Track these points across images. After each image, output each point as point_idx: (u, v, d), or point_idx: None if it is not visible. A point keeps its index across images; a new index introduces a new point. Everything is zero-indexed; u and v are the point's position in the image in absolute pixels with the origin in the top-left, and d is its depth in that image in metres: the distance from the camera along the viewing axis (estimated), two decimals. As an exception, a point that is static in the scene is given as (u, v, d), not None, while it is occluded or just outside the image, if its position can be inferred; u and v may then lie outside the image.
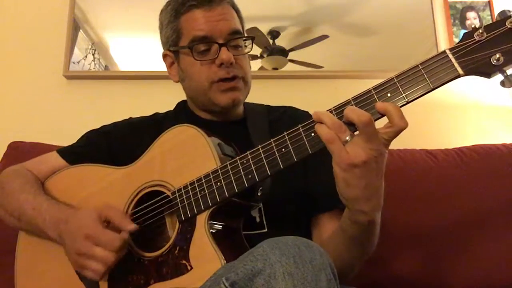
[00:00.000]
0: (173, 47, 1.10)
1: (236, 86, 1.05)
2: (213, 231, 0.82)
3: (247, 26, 1.77)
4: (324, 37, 1.91)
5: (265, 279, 0.61)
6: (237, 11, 1.11)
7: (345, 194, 0.75)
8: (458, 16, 1.97)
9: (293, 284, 0.61)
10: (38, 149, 1.43)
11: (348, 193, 0.75)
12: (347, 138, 0.71)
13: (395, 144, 1.58)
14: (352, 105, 0.73)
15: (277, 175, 0.79)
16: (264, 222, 0.97)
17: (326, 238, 0.96)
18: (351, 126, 0.72)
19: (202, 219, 0.83)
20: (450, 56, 0.70)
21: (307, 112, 1.18)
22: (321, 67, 1.90)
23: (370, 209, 0.77)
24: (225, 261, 0.76)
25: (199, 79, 1.06)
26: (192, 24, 1.05)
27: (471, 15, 1.97)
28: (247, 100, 1.20)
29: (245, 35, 1.10)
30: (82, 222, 0.87)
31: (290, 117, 1.17)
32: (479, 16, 1.97)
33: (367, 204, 0.76)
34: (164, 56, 1.15)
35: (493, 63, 0.69)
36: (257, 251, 0.66)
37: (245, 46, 1.09)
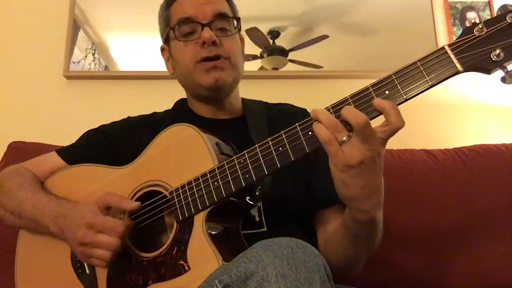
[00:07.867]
0: (163, 35, 1.13)
1: (218, 66, 1.04)
2: (211, 231, 0.82)
3: (247, 26, 1.78)
4: (324, 37, 1.91)
5: (258, 282, 0.61)
6: None
7: (344, 194, 0.75)
8: (458, 16, 1.97)
9: (286, 286, 0.60)
10: (38, 149, 1.42)
11: (347, 192, 0.74)
12: (344, 138, 0.70)
13: (395, 144, 1.57)
14: (349, 103, 0.72)
15: (277, 173, 0.79)
16: (264, 221, 0.96)
17: (331, 233, 0.96)
18: (348, 125, 0.70)
19: (199, 219, 0.83)
20: (449, 52, 0.69)
21: (305, 109, 1.19)
22: (321, 67, 1.90)
23: (370, 208, 0.76)
24: (223, 261, 0.76)
25: (184, 61, 1.07)
26: (178, 9, 1.08)
27: (471, 15, 1.97)
28: (245, 97, 1.20)
29: (233, 17, 1.10)
30: (82, 213, 0.87)
31: (288, 112, 1.17)
32: (479, 16, 1.97)
33: (367, 203, 0.75)
34: (162, 50, 1.17)
35: (493, 58, 0.67)
36: (250, 252, 0.65)
37: (234, 29, 1.09)
